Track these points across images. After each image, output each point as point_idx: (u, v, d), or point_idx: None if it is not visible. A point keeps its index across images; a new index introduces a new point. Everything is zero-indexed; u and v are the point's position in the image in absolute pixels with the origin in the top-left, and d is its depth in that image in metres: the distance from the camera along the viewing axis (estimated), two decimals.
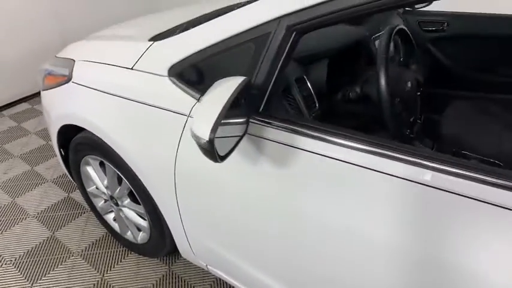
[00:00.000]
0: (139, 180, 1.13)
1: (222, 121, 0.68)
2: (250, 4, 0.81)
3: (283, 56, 0.76)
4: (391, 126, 0.87)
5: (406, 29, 1.12)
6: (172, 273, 1.42)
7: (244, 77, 0.71)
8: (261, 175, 0.82)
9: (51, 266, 1.45)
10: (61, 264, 1.45)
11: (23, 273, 1.41)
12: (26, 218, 1.68)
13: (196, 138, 0.63)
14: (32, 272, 1.42)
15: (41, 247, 1.53)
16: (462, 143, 1.31)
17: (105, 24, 1.65)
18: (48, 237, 1.58)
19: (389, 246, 0.67)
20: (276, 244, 0.88)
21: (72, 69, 1.24)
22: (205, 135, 0.61)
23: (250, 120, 0.79)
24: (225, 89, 0.67)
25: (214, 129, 0.61)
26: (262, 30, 0.76)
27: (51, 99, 1.35)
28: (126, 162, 1.13)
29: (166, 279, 1.40)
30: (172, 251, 1.32)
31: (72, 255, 1.49)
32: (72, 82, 1.22)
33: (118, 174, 1.27)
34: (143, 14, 1.73)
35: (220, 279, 1.39)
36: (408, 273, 0.66)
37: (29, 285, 1.37)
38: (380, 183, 0.66)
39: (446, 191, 0.59)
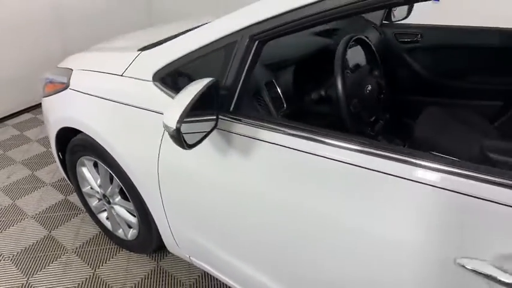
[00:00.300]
0: (128, 177, 1.23)
1: (194, 118, 0.80)
2: (222, 17, 0.94)
3: (248, 62, 0.87)
4: (348, 123, 0.98)
5: (365, 38, 1.24)
6: (160, 268, 1.51)
7: (212, 79, 0.82)
8: (230, 166, 0.93)
9: (47, 261, 1.54)
10: (56, 260, 1.55)
11: (20, 268, 1.50)
12: (24, 218, 1.78)
13: (166, 128, 0.74)
14: (28, 267, 1.51)
15: (38, 245, 1.62)
16: (433, 144, 1.41)
17: (105, 37, 1.79)
18: (45, 236, 1.68)
19: (343, 223, 0.77)
20: (249, 231, 0.98)
21: (70, 77, 1.36)
22: (172, 125, 0.72)
23: (222, 117, 0.90)
24: (194, 88, 0.78)
25: (180, 120, 0.72)
26: (230, 39, 0.88)
27: (50, 105, 1.47)
28: (116, 160, 1.23)
29: (154, 273, 1.48)
30: (160, 247, 1.41)
31: (67, 252, 1.59)
32: (70, 89, 1.35)
33: (110, 173, 1.37)
34: (141, 27, 1.87)
35: (205, 273, 1.48)
36: (369, 255, 0.75)
37: (25, 279, 1.46)
38: (332, 168, 0.76)
39: (393, 175, 0.69)
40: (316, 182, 0.79)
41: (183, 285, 1.44)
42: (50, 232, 1.70)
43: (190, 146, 0.78)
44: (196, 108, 0.80)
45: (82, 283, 1.44)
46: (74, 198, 1.90)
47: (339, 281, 0.83)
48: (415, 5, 2.00)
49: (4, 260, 1.54)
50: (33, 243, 1.64)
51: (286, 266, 0.94)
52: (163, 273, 1.49)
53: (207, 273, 1.48)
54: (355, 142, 0.72)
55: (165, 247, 1.37)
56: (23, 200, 1.91)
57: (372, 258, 0.74)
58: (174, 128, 0.72)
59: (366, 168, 0.71)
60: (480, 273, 0.60)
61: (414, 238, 0.67)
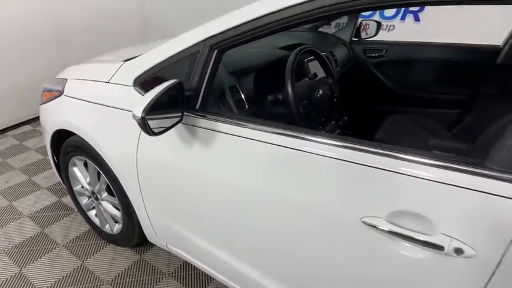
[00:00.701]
0: (113, 173, 1.39)
1: (162, 115, 0.97)
2: (190, 30, 1.12)
3: (210, 67, 1.05)
4: (298, 121, 1.14)
5: (316, 50, 1.42)
6: (143, 260, 1.64)
7: (176, 80, 0.99)
8: (197, 157, 1.08)
9: (39, 254, 1.67)
10: (47, 254, 1.68)
11: (13, 260, 1.64)
12: (20, 217, 1.93)
13: (134, 117, 0.90)
14: (22, 259, 1.64)
15: (31, 240, 1.76)
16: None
17: (102, 52, 1.98)
18: (38, 232, 1.82)
19: (280, 199, 0.92)
20: (215, 216, 1.13)
21: (65, 86, 1.54)
22: (138, 114, 0.89)
23: (188, 114, 1.06)
24: (159, 87, 0.95)
25: (145, 110, 0.89)
26: (194, 49, 1.06)
27: (47, 111, 1.64)
28: (103, 158, 1.40)
29: (136, 264, 1.61)
30: (143, 241, 1.55)
31: (58, 246, 1.72)
32: (64, 95, 1.52)
33: (98, 171, 1.53)
34: (136, 42, 2.07)
35: (184, 264, 1.61)
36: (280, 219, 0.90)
37: (18, 269, 1.59)
38: (269, 151, 0.91)
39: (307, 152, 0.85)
40: (262, 163, 0.95)
41: (163, 274, 1.56)
42: (43, 229, 1.84)
43: (156, 134, 0.95)
44: (164, 106, 0.97)
45: (70, 273, 1.57)
46: (67, 200, 2.04)
47: (298, 254, 0.96)
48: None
49: (0, 253, 1.68)
50: (27, 238, 1.77)
51: (247, 244, 1.08)
52: (145, 264, 1.62)
53: (186, 264, 1.61)
54: (287, 128, 0.88)
55: (147, 241, 1.51)
56: (20, 201, 2.06)
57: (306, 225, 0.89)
58: (140, 117, 0.89)
59: (292, 148, 0.87)
60: (379, 228, 0.75)
61: (333, 205, 0.83)
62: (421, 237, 0.71)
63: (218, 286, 1.50)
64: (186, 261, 1.60)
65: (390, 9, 4.07)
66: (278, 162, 0.92)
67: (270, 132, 0.91)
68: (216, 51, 1.04)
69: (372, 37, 2.24)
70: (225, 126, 1.01)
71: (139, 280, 1.53)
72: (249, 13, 0.95)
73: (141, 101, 0.92)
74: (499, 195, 0.63)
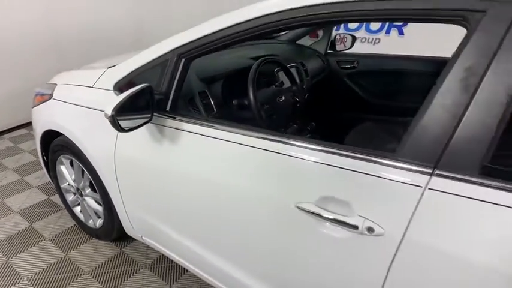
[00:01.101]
0: (95, 170, 1.52)
1: (134, 115, 1.10)
2: (163, 41, 1.26)
3: (178, 74, 1.18)
4: (260, 123, 1.27)
5: (279, 60, 1.56)
6: (122, 253, 1.75)
7: (146, 84, 1.13)
8: (166, 153, 1.20)
9: (26, 247, 1.78)
10: (34, 246, 1.79)
11: (2, 251, 1.75)
12: (10, 213, 2.04)
13: (105, 116, 1.03)
14: (9, 251, 1.75)
15: (19, 234, 1.87)
16: None
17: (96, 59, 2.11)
18: (26, 227, 1.93)
19: (234, 190, 1.04)
20: (181, 206, 1.24)
21: (54, 90, 1.68)
22: (109, 112, 1.02)
23: (158, 114, 1.19)
24: (130, 90, 1.09)
25: (114, 109, 1.02)
26: (165, 57, 1.20)
27: (38, 113, 1.78)
28: (86, 156, 1.52)
29: (116, 257, 1.73)
30: (122, 235, 1.66)
31: (44, 240, 1.83)
32: (53, 99, 1.66)
33: (82, 168, 1.65)
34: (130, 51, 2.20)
35: (161, 257, 1.72)
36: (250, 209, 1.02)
37: (5, 260, 1.70)
38: (231, 149, 1.04)
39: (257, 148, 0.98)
40: (222, 159, 1.07)
41: (140, 266, 1.67)
42: (31, 224, 1.95)
43: (125, 131, 1.08)
44: (135, 107, 1.11)
45: (54, 263, 1.68)
46: (56, 198, 2.16)
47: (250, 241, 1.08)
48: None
49: None
50: (16, 232, 1.89)
51: (210, 234, 1.20)
52: (123, 256, 1.73)
53: (163, 257, 1.72)
54: (243, 128, 1.01)
55: (126, 235, 1.62)
56: (11, 199, 2.18)
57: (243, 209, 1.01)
58: (110, 115, 1.02)
59: (246, 145, 0.99)
60: (310, 212, 0.87)
61: (275, 193, 0.95)
62: (341, 219, 0.83)
63: (191, 276, 1.60)
64: (162, 255, 1.71)
65: (375, 23, 4.24)
66: (234, 158, 1.05)
67: (230, 131, 1.03)
68: (183, 59, 1.17)
69: (347, 49, 2.39)
70: (192, 126, 1.13)
71: (118, 271, 1.64)
72: (212, 26, 1.09)
73: (113, 101, 1.05)
74: (400, 182, 0.76)
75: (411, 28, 4.16)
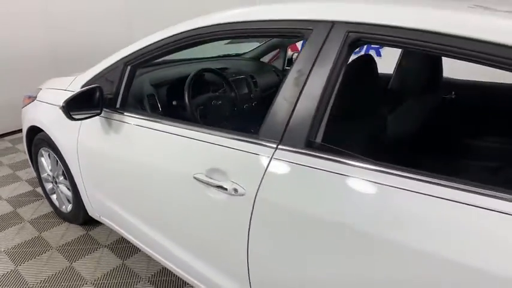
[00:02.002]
0: (64, 159, 1.81)
1: (86, 110, 1.40)
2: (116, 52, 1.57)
3: (125, 79, 1.48)
4: (193, 120, 1.55)
5: (217, 71, 1.86)
6: (88, 235, 2.02)
7: (96, 85, 1.43)
8: (115, 142, 1.49)
9: (6, 227, 2.07)
10: (13, 226, 2.07)
11: None
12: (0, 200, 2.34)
13: (59, 106, 1.33)
14: None
15: (4, 216, 2.16)
16: None
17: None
18: (11, 211, 2.22)
19: (161, 171, 1.31)
20: (128, 188, 1.51)
21: (38, 93, 2.01)
22: (60, 104, 1.31)
23: (107, 110, 1.49)
24: (82, 89, 1.39)
25: (65, 102, 1.32)
26: (115, 65, 1.51)
27: (25, 112, 2.10)
28: (58, 147, 1.82)
29: (82, 238, 1.99)
30: (88, 219, 1.92)
31: (23, 222, 2.12)
32: (37, 100, 1.98)
33: (56, 159, 1.95)
34: None
35: (121, 238, 1.97)
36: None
37: None
38: (161, 137, 1.31)
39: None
40: (152, 144, 1.35)
41: (99, 245, 1.93)
42: (15, 209, 2.25)
43: (74, 119, 1.38)
44: (87, 102, 1.40)
45: (29, 240, 1.96)
46: (40, 190, 2.45)
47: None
48: None
49: None
50: (2, 215, 2.18)
51: (149, 209, 1.46)
52: (88, 237, 1.99)
53: (123, 238, 1.97)
54: (172, 121, 1.29)
55: (91, 219, 1.88)
56: (2, 189, 2.49)
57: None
58: (61, 105, 1.32)
59: (169, 133, 1.27)
60: (202, 181, 1.13)
61: (180, 168, 1.22)
62: (219, 184, 1.08)
63: (143, 256, 1.85)
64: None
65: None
66: (163, 144, 1.32)
67: (163, 124, 1.30)
68: (128, 67, 1.48)
69: None
70: (136, 120, 1.42)
71: (81, 248, 1.91)
72: (147, 40, 1.40)
73: (67, 96, 1.36)
74: (257, 154, 1.02)
75: (388, 49, 4.46)
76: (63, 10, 3.66)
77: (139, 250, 1.88)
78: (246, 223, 1.06)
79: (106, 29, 4.04)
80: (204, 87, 1.82)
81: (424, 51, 0.86)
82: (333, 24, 0.96)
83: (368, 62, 1.27)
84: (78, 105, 1.40)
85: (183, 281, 1.67)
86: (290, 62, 2.64)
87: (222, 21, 1.20)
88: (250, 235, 1.06)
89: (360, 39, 0.93)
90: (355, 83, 1.11)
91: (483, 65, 0.78)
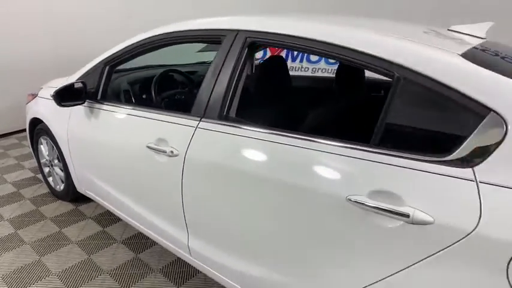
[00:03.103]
0: (58, 144, 2.22)
1: (72, 101, 1.81)
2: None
3: (104, 76, 1.89)
4: (159, 108, 1.96)
5: (179, 70, 2.27)
6: (77, 209, 2.40)
7: (80, 80, 1.84)
8: (95, 126, 1.89)
9: (10, 202, 2.47)
10: (16, 202, 2.47)
11: None
12: (5, 183, 2.75)
13: (51, 95, 1.74)
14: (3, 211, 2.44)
15: (9, 195, 2.57)
16: None
17: None
18: (15, 191, 2.63)
19: (129, 148, 1.70)
20: (107, 163, 1.90)
21: (39, 91, 2.44)
22: (52, 92, 1.72)
23: (90, 101, 1.89)
24: (69, 83, 1.80)
25: (55, 91, 1.73)
26: (98, 65, 1.92)
27: (28, 107, 2.53)
28: (54, 135, 2.23)
29: (72, 212, 2.38)
30: (75, 194, 2.31)
31: (24, 199, 2.52)
32: (38, 96, 2.41)
33: (52, 145, 2.36)
34: None
35: (105, 211, 2.35)
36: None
37: None
38: (131, 120, 1.71)
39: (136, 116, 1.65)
40: (126, 128, 1.74)
41: (85, 218, 2.31)
42: (18, 190, 2.65)
43: (62, 106, 1.78)
44: (74, 94, 1.81)
45: (28, 212, 2.35)
46: (40, 176, 2.86)
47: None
48: None
49: None
50: (6, 194, 2.58)
51: (126, 181, 1.84)
52: (77, 211, 2.38)
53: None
54: (137, 108, 1.69)
55: (79, 195, 2.27)
56: (8, 175, 2.90)
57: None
58: (52, 94, 1.73)
59: (136, 115, 1.67)
60: (152, 148, 1.51)
61: (138, 141, 1.60)
62: (162, 148, 1.46)
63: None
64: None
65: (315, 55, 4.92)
66: (126, 123, 1.72)
67: (134, 109, 1.69)
68: (107, 66, 1.89)
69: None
70: (113, 108, 1.81)
71: (68, 220, 2.29)
72: (121, 45, 1.81)
73: (57, 87, 1.77)
74: (188, 126, 1.40)
75: None
76: (67, 13, 4.10)
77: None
78: (179, 177, 1.43)
79: (108, 32, 4.49)
80: (173, 86, 2.23)
81: (294, 49, 1.24)
82: (237, 32, 1.36)
83: (277, 61, 1.66)
84: (67, 96, 1.81)
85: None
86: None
87: (170, 30, 1.61)
88: (183, 186, 1.43)
89: (255, 42, 1.33)
90: (262, 75, 1.49)
91: (333, 59, 1.16)
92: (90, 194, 2.15)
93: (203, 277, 1.77)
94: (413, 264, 0.90)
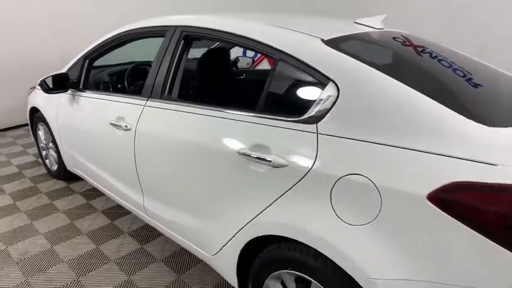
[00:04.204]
0: (51, 129, 2.59)
1: (58, 90, 2.17)
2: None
3: (84, 69, 2.24)
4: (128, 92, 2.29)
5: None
6: (68, 186, 2.77)
7: (63, 71, 2.19)
8: (77, 109, 2.24)
9: (12, 180, 2.86)
10: (17, 180, 2.86)
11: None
12: (11, 165, 3.16)
13: (38, 83, 2.10)
14: (3, 180, 2.83)
15: (13, 174, 2.97)
16: None
17: None
18: (17, 171, 3.03)
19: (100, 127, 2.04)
20: (86, 141, 2.25)
21: (37, 83, 2.82)
22: (38, 81, 2.08)
23: (73, 90, 2.24)
24: (54, 73, 2.16)
25: (41, 80, 2.09)
26: (79, 60, 2.27)
27: (29, 98, 2.92)
28: (47, 121, 2.60)
29: (63, 188, 2.75)
30: (67, 174, 2.68)
31: (24, 178, 2.91)
32: (36, 89, 2.79)
33: (47, 130, 2.73)
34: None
35: (91, 188, 2.71)
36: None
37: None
38: (103, 104, 2.05)
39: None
40: (97, 108, 2.09)
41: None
42: (20, 171, 3.05)
43: (48, 93, 2.14)
44: (60, 83, 2.17)
45: (26, 188, 2.73)
46: (40, 160, 3.26)
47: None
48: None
49: None
50: (11, 172, 2.98)
51: (96, 152, 2.19)
52: (69, 189, 2.74)
53: (95, 189, 2.71)
54: (107, 94, 2.03)
55: (70, 174, 2.63)
56: (14, 159, 3.32)
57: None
58: (39, 82, 2.08)
59: (104, 99, 2.01)
60: (113, 124, 1.84)
61: (106, 117, 1.93)
62: (120, 124, 1.79)
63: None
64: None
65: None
66: (98, 107, 2.05)
67: (105, 95, 2.04)
68: (87, 60, 2.24)
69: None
70: (92, 94, 2.15)
71: (59, 194, 2.65)
72: (98, 40, 2.16)
73: (43, 77, 2.13)
74: (138, 104, 1.72)
75: None
76: (71, 15, 4.53)
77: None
78: (132, 147, 1.75)
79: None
80: (141, 76, 2.57)
81: (213, 39, 1.55)
82: (176, 27, 1.67)
83: (216, 53, 1.96)
84: (53, 85, 2.16)
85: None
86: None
87: (131, 28, 1.94)
88: (136, 155, 1.75)
89: (189, 35, 1.63)
90: (202, 64, 1.80)
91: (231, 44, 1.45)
92: (76, 171, 2.50)
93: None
94: (278, 198, 1.18)
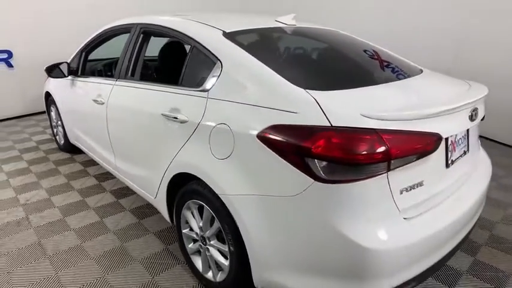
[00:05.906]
0: (59, 110, 3.19)
1: (60, 76, 2.75)
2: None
3: (81, 59, 2.81)
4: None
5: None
6: (71, 157, 3.36)
7: (65, 61, 2.76)
8: (75, 90, 2.81)
9: (30, 151, 3.50)
10: (32, 152, 3.50)
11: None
12: (30, 141, 3.82)
13: (44, 69, 2.69)
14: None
15: (32, 147, 3.61)
16: None
17: None
18: (35, 145, 3.67)
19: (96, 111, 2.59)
20: (83, 119, 2.81)
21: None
22: (44, 68, 2.67)
23: (72, 76, 2.81)
24: (58, 63, 2.73)
25: (46, 68, 2.67)
26: (78, 52, 2.85)
27: (45, 84, 3.56)
28: (57, 105, 3.21)
29: (68, 158, 3.34)
30: (70, 146, 3.27)
31: (39, 150, 3.54)
32: (49, 77, 3.42)
33: (58, 112, 3.34)
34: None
35: (88, 158, 3.28)
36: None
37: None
38: (96, 88, 2.61)
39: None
40: (89, 89, 2.64)
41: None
42: (38, 145, 3.69)
43: (52, 77, 2.73)
44: (61, 70, 2.75)
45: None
46: (53, 138, 3.89)
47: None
48: None
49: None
50: (28, 147, 3.63)
51: (89, 127, 2.74)
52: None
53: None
54: (99, 79, 2.58)
55: (73, 147, 3.22)
56: (35, 136, 3.99)
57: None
58: (44, 69, 2.67)
59: (91, 82, 2.56)
60: (94, 101, 2.37)
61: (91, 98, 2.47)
62: (98, 99, 2.31)
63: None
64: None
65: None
66: (89, 88, 2.61)
67: (92, 79, 2.60)
68: (83, 52, 2.81)
69: None
70: (88, 79, 2.72)
71: (63, 162, 3.25)
72: (90, 37, 2.72)
73: (49, 65, 2.72)
74: (110, 84, 2.25)
75: None
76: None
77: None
78: (105, 118, 2.27)
79: None
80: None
81: (161, 34, 2.04)
82: (137, 24, 2.18)
83: (174, 45, 2.44)
84: (56, 71, 2.74)
85: None
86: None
87: (113, 25, 2.47)
88: (108, 123, 2.27)
89: (146, 32, 2.13)
90: (163, 55, 2.29)
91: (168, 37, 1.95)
92: (76, 143, 3.09)
93: None
94: (184, 144, 1.64)
